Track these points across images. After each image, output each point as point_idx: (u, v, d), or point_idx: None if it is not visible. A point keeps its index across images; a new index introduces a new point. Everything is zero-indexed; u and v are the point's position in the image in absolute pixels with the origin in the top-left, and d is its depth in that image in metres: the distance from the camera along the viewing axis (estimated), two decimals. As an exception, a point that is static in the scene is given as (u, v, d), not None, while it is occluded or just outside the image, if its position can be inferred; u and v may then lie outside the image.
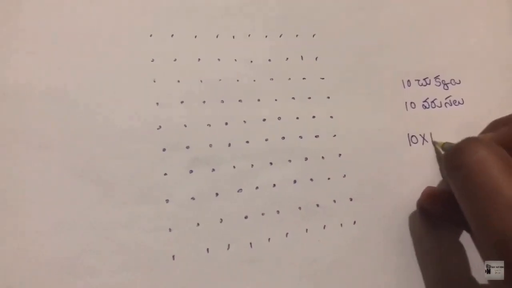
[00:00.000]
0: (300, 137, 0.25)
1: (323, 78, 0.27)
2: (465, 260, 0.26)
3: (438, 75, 0.29)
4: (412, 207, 0.26)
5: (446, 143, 0.26)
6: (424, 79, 0.29)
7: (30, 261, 0.21)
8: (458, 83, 0.29)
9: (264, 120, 0.25)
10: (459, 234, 0.26)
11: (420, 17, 0.30)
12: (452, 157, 0.21)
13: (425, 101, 0.28)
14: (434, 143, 0.27)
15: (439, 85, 0.29)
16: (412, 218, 0.26)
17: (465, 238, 0.26)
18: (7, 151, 0.22)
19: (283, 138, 0.25)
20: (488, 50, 0.30)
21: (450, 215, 0.24)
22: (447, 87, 0.29)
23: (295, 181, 0.25)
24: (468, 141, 0.21)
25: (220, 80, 0.25)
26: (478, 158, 0.20)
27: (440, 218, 0.26)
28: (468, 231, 0.25)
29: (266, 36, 0.26)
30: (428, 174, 0.27)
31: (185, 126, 0.24)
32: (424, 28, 0.29)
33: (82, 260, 0.21)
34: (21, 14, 0.23)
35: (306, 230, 0.24)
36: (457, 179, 0.21)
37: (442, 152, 0.27)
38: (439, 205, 0.25)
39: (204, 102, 0.24)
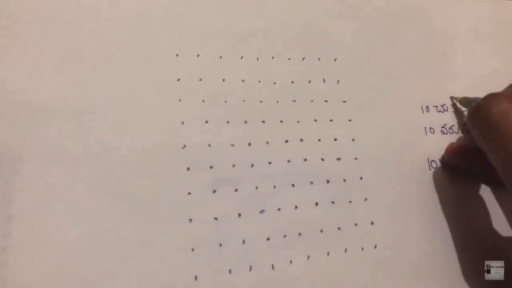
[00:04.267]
0: (322, 159, 0.25)
1: (344, 101, 0.27)
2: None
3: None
4: (432, 230, 0.26)
5: (464, 97, 0.28)
6: (442, 106, 0.29)
7: (52, 276, 0.20)
8: (475, 110, 0.29)
9: (286, 141, 0.25)
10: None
11: (436, 44, 0.30)
12: (477, 110, 0.23)
13: (443, 127, 0.28)
14: (451, 98, 0.29)
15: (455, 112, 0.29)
16: (433, 241, 0.26)
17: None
18: (36, 167, 0.22)
19: (305, 160, 0.25)
20: (504, 77, 0.31)
21: (472, 168, 0.26)
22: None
23: (316, 204, 0.24)
24: (491, 95, 0.23)
25: (244, 100, 0.25)
26: (502, 109, 0.21)
27: (462, 172, 0.27)
28: (489, 184, 0.27)
29: (289, 59, 0.27)
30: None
31: (209, 145, 0.24)
32: (441, 55, 0.30)
33: (103, 278, 0.21)
34: (46, 33, 0.24)
35: (328, 253, 0.24)
36: (482, 130, 0.22)
37: (459, 106, 0.28)
38: (461, 159, 0.26)
39: (228, 122, 0.25)
